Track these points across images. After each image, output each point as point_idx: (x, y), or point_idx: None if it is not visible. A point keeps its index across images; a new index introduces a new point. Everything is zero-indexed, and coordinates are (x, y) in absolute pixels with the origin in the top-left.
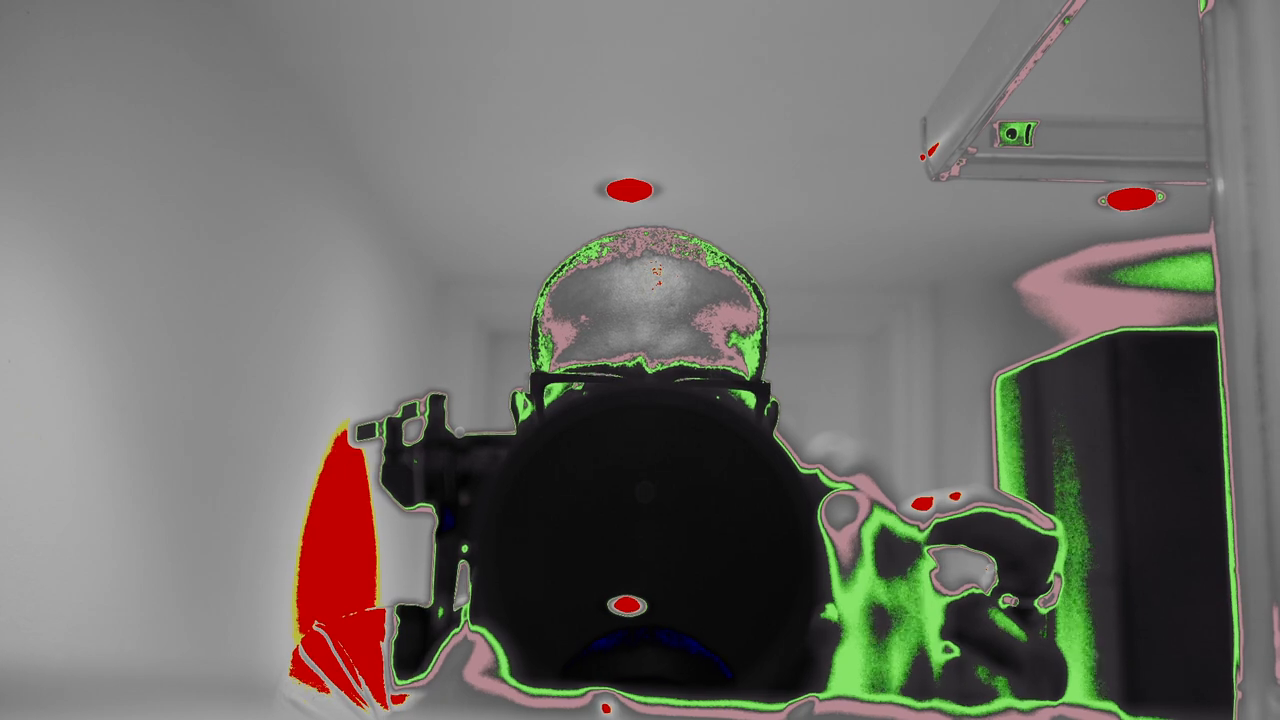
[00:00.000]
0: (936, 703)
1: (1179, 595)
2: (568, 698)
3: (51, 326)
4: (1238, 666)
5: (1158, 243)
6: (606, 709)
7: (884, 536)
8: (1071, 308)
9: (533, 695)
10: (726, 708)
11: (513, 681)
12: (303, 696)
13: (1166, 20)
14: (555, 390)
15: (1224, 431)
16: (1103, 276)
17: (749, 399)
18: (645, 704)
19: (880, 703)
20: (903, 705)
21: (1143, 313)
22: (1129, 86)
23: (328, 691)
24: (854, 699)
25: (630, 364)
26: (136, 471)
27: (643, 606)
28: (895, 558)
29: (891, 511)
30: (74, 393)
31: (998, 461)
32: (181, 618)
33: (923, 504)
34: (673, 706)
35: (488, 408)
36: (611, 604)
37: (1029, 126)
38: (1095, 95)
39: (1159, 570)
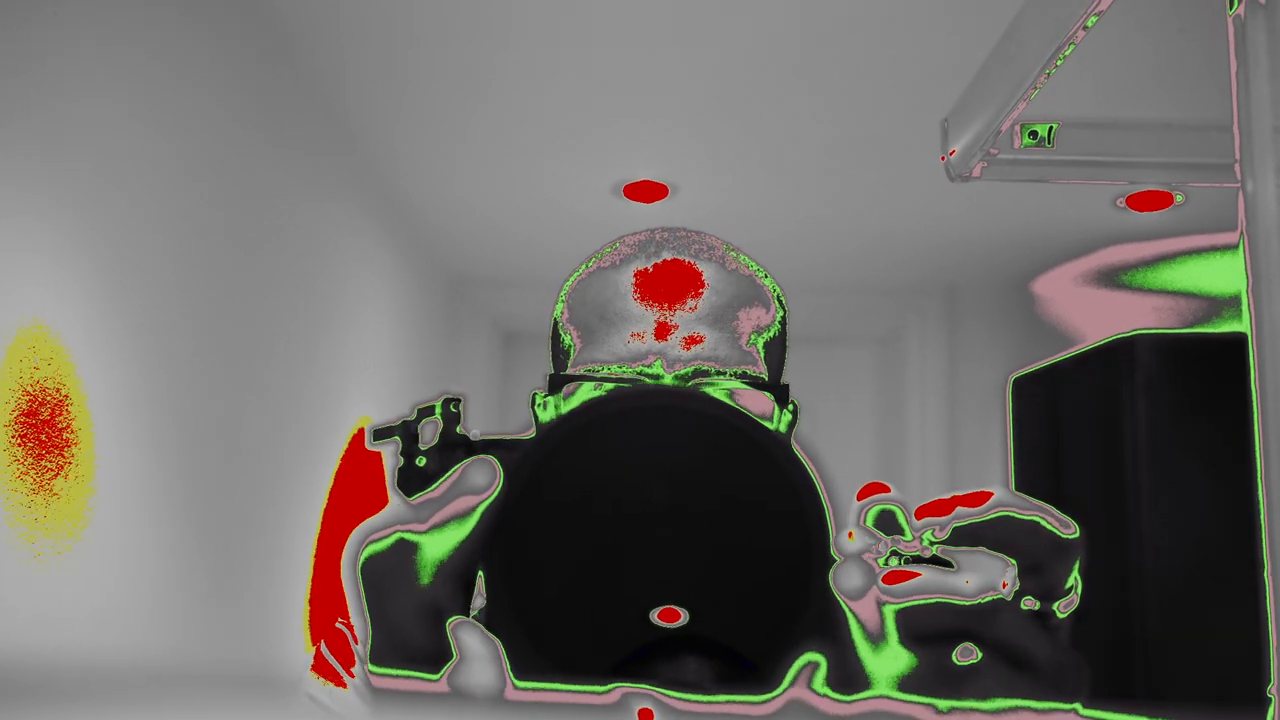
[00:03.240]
0: (961, 703)
1: (1197, 597)
2: (597, 693)
3: (73, 326)
4: (1271, 671)
5: (1175, 242)
6: (648, 714)
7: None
8: (1088, 310)
9: (562, 691)
10: (768, 700)
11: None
12: (323, 693)
13: (1187, 22)
14: (584, 391)
15: (1254, 434)
16: (1120, 279)
17: (769, 415)
18: (684, 699)
19: (909, 702)
20: (927, 704)
21: (1159, 315)
22: (1150, 89)
23: (345, 686)
24: (887, 697)
25: (649, 365)
26: (157, 468)
27: (684, 617)
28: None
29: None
30: (95, 390)
31: (1013, 463)
32: (202, 613)
33: (925, 511)
34: (714, 703)
35: (501, 408)
36: (654, 615)
37: (1051, 128)
38: (1116, 97)
39: (1177, 572)
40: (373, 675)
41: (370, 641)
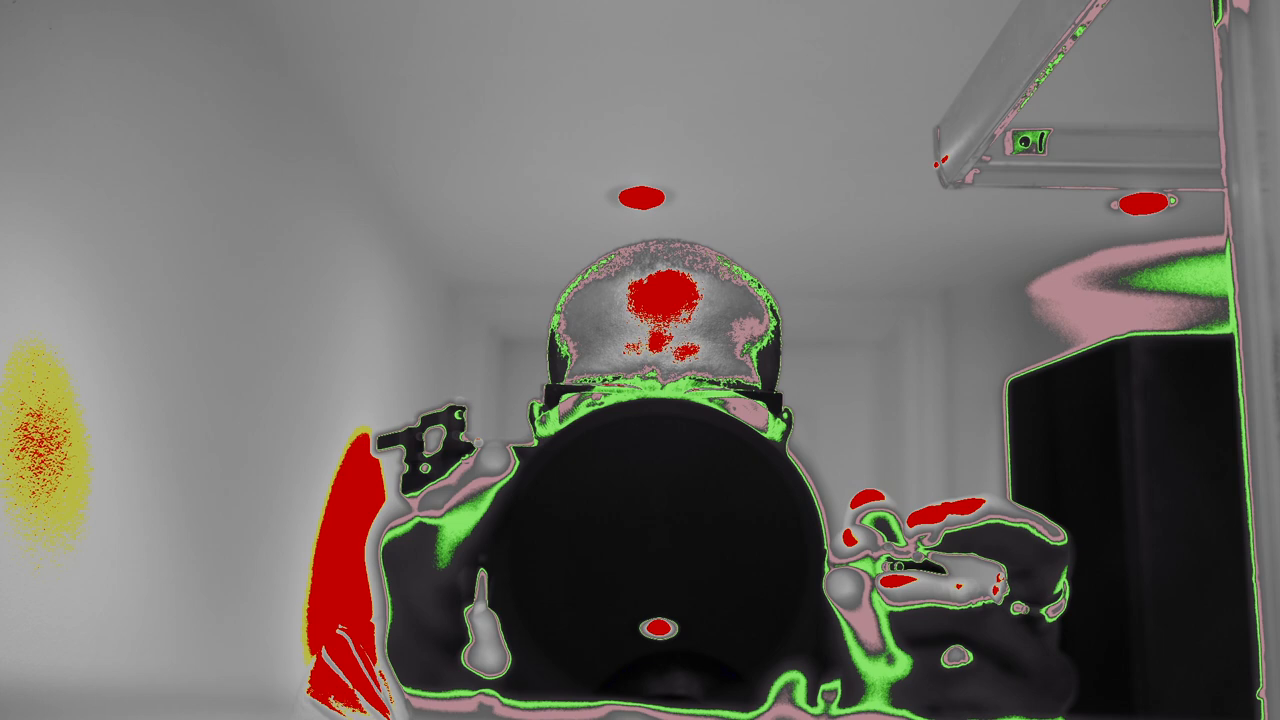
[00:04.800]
0: None
1: (1192, 602)
2: (588, 709)
3: (70, 338)
4: (1261, 674)
5: (1169, 245)
6: None
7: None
8: (1084, 312)
9: (553, 709)
10: (755, 717)
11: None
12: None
13: (1177, 29)
14: (582, 402)
15: (1241, 439)
16: (1115, 281)
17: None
18: (673, 713)
19: (900, 716)
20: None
21: (1155, 317)
22: (1141, 94)
23: (350, 702)
24: (878, 712)
25: (644, 376)
26: (156, 481)
27: (674, 629)
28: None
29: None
30: (92, 401)
31: (1010, 465)
32: (201, 625)
33: (917, 518)
34: (701, 718)
35: (500, 414)
36: (643, 627)
37: (1043, 134)
38: (1107, 103)
39: (1174, 574)
40: (411, 697)
41: (389, 625)
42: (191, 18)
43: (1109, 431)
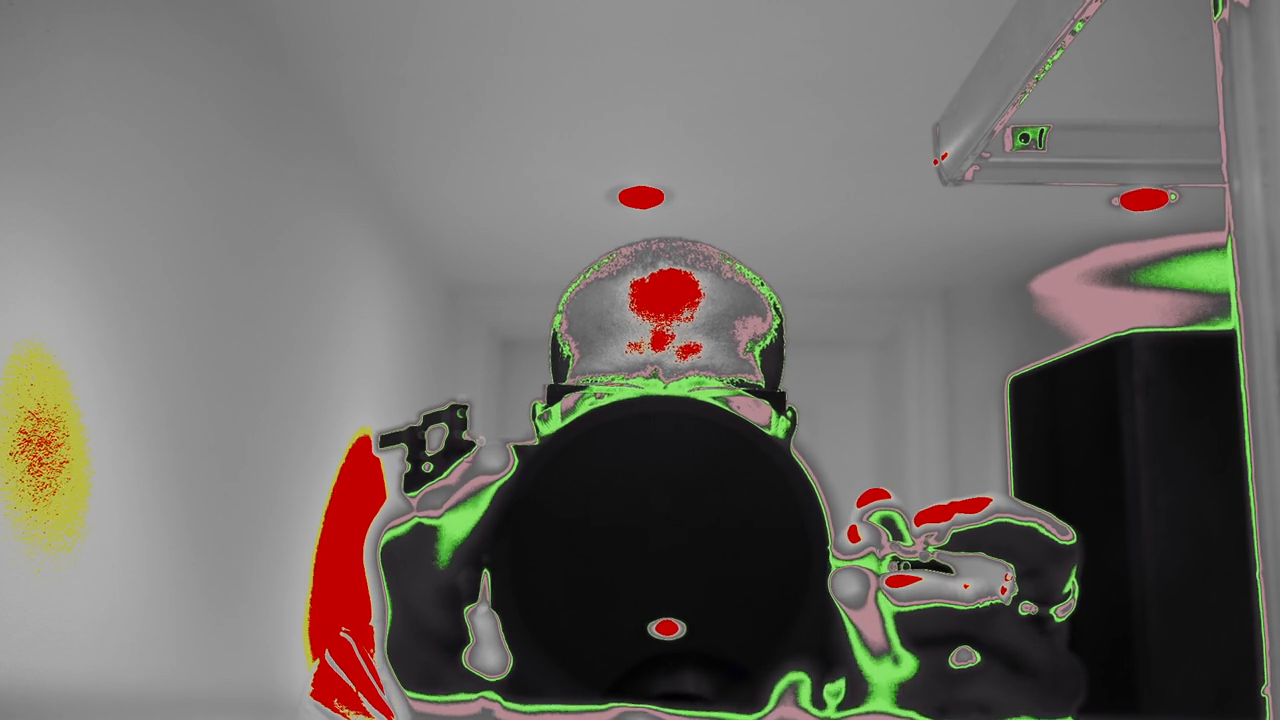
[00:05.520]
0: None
1: (1197, 598)
2: (596, 712)
3: (69, 339)
4: (1265, 671)
5: (1171, 241)
6: None
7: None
8: (1085, 309)
9: (560, 713)
10: (758, 719)
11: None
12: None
13: (1177, 25)
14: (584, 401)
15: (1245, 434)
16: (1116, 277)
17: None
18: (681, 715)
19: (906, 717)
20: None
21: (1156, 313)
22: (1141, 90)
23: (354, 705)
24: (884, 713)
25: (646, 375)
26: (156, 483)
27: (682, 629)
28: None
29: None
30: (94, 405)
31: (1012, 463)
32: (201, 629)
33: (924, 517)
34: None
35: (500, 414)
36: (652, 627)
37: (1042, 131)
38: (1106, 99)
39: (1176, 573)
40: (413, 701)
41: (389, 627)
42: (191, 18)
43: (1111, 428)
